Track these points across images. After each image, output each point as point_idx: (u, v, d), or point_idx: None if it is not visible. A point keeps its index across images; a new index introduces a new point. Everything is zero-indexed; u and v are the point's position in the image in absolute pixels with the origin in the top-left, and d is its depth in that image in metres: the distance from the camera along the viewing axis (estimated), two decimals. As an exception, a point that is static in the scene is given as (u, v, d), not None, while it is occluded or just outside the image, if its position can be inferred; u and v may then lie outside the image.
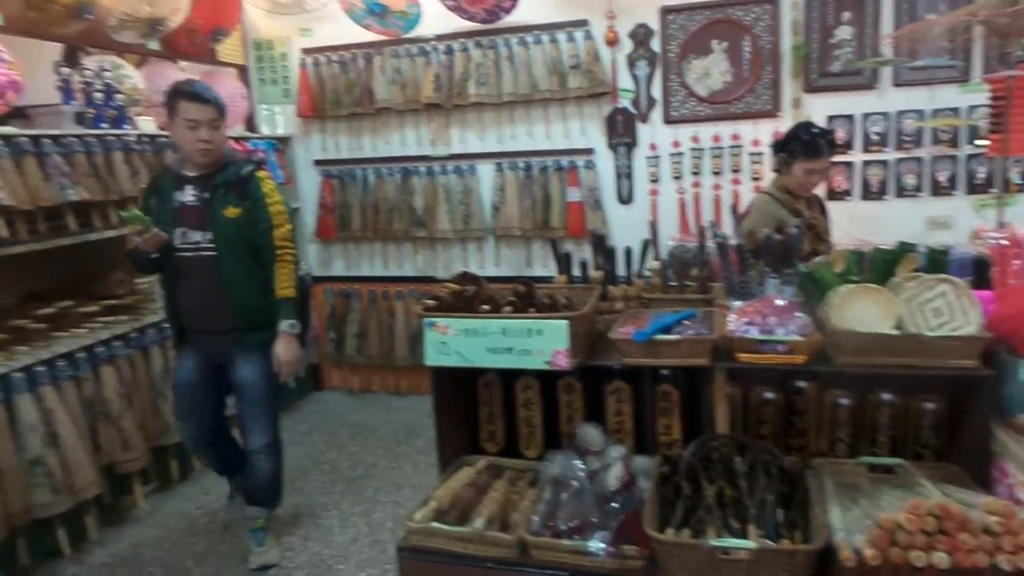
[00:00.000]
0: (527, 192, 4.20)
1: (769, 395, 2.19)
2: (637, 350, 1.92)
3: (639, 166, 4.10)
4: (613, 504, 1.92)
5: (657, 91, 3.99)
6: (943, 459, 2.03)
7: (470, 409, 2.41)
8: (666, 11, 3.89)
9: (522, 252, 4.35)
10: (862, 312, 1.88)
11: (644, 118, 4.04)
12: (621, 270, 2.53)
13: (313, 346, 4.72)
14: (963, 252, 2.24)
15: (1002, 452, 1.77)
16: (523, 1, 3.90)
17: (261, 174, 2.65)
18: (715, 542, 1.63)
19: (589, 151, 4.12)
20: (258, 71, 4.60)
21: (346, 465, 3.73)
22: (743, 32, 3.81)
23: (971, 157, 3.65)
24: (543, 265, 4.30)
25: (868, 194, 3.82)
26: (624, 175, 4.12)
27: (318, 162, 4.65)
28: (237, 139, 4.12)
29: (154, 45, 3.66)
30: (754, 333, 1.86)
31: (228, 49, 4.34)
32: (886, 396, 2.11)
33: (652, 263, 2.51)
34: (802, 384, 2.17)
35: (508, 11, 3.93)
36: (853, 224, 3.50)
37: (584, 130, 4.14)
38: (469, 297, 2.09)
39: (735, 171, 3.94)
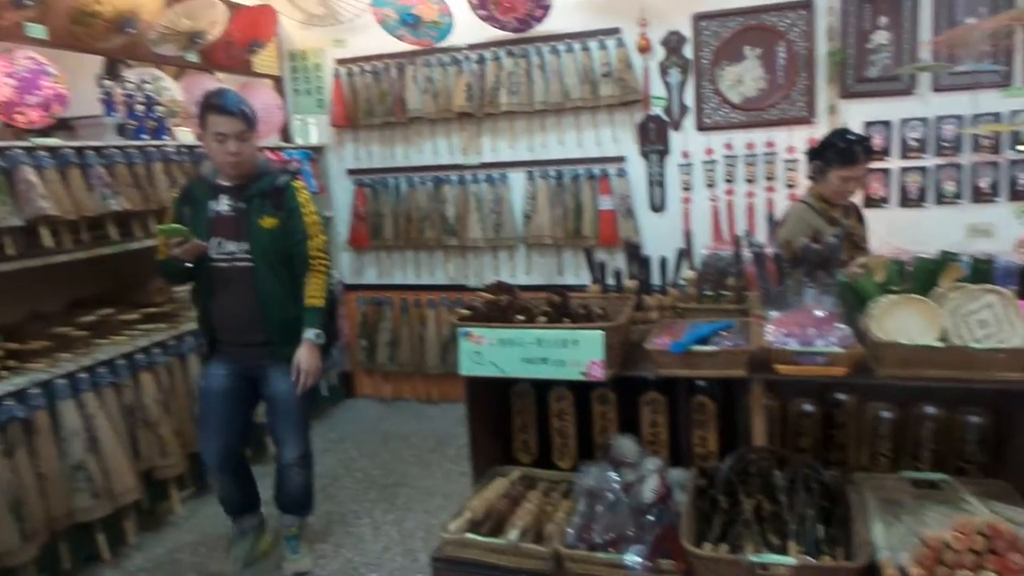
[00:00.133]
0: (558, 200, 4.20)
1: (807, 407, 2.15)
2: (673, 361, 1.90)
3: (671, 174, 4.07)
4: (649, 517, 1.90)
5: (690, 98, 3.97)
6: (989, 475, 1.98)
7: (503, 419, 2.41)
8: (699, 18, 3.86)
9: (553, 260, 4.34)
10: (905, 323, 1.84)
11: (676, 125, 4.01)
12: (655, 279, 2.50)
13: (345, 354, 4.75)
14: (1007, 261, 2.18)
15: (1052, 468, 1.72)
16: (555, 10, 3.90)
17: (297, 184, 2.65)
18: (754, 558, 1.60)
19: (621, 159, 4.10)
20: (292, 82, 4.67)
21: (378, 473, 3.75)
22: (777, 38, 3.77)
23: (1013, 163, 3.57)
24: (574, 274, 4.29)
25: (906, 201, 3.75)
26: (656, 183, 4.10)
27: (351, 171, 4.69)
28: (272, 149, 4.19)
29: (192, 57, 3.73)
30: (793, 344, 1.83)
31: (264, 60, 4.41)
32: (929, 409, 2.06)
33: (687, 272, 2.49)
34: (841, 396, 2.13)
35: (540, 20, 3.94)
36: (891, 232, 3.44)
37: (616, 138, 4.12)
38: (503, 307, 2.09)
39: (769, 178, 3.89)
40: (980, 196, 3.62)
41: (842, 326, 1.88)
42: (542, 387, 2.33)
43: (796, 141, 3.80)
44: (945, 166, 3.66)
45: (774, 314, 2.01)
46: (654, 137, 4.05)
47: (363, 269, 4.82)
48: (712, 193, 3.99)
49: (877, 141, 3.68)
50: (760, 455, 1.91)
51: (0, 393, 2.57)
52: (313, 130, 4.74)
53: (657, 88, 4.01)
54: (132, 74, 3.40)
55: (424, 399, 4.76)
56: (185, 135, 3.57)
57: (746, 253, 2.29)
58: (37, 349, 2.85)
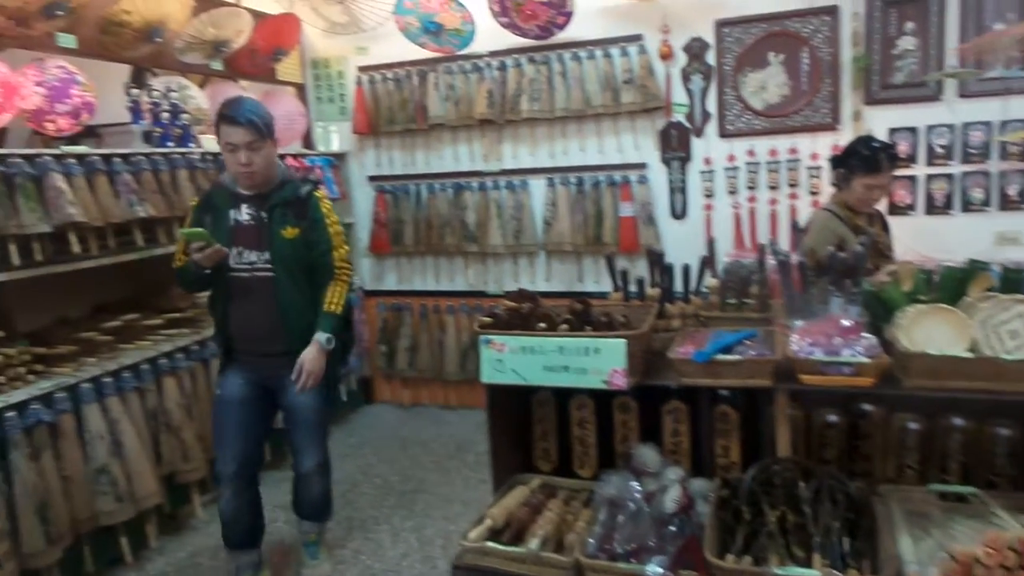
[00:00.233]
0: (579, 207, 4.19)
1: (832, 418, 2.13)
2: (696, 370, 1.89)
3: (693, 181, 4.05)
4: (671, 527, 1.88)
5: (712, 105, 3.95)
6: (1019, 488, 1.94)
7: (524, 427, 2.40)
8: (721, 24, 3.84)
9: (573, 267, 4.33)
10: (933, 333, 1.81)
11: (699, 132, 3.99)
12: (678, 287, 2.49)
13: (364, 359, 4.77)
14: (1038, 270, 2.14)
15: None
16: (576, 17, 3.91)
17: (319, 194, 2.62)
18: (779, 570, 1.58)
19: (642, 166, 4.09)
20: (315, 89, 4.71)
21: (396, 479, 3.75)
22: (801, 44, 3.74)
23: (1043, 170, 3.51)
24: (594, 280, 4.28)
25: (932, 208, 3.70)
26: (678, 190, 4.08)
27: (372, 178, 4.72)
28: (294, 156, 4.22)
29: (217, 65, 3.78)
30: (819, 354, 1.81)
31: (287, 68, 4.45)
32: (957, 421, 2.03)
33: (709, 280, 2.47)
34: (867, 407, 2.10)
35: (562, 27, 3.94)
36: (916, 239, 3.39)
37: (637, 145, 4.11)
38: (525, 314, 2.09)
39: (792, 185, 3.86)
40: (1008, 204, 3.56)
41: (868, 336, 1.86)
42: (563, 395, 2.32)
43: (820, 148, 3.77)
44: (972, 173, 3.60)
45: (799, 323, 1.99)
46: (676, 144, 4.03)
47: (383, 275, 4.84)
48: (734, 200, 3.97)
49: (903, 148, 3.63)
50: (784, 466, 1.88)
51: (27, 397, 2.61)
52: (335, 137, 4.77)
53: (679, 95, 3.99)
54: (158, 82, 3.45)
55: (443, 405, 4.77)
56: (210, 142, 3.60)
57: (770, 261, 2.27)
58: (63, 353, 2.89)
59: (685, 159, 4.04)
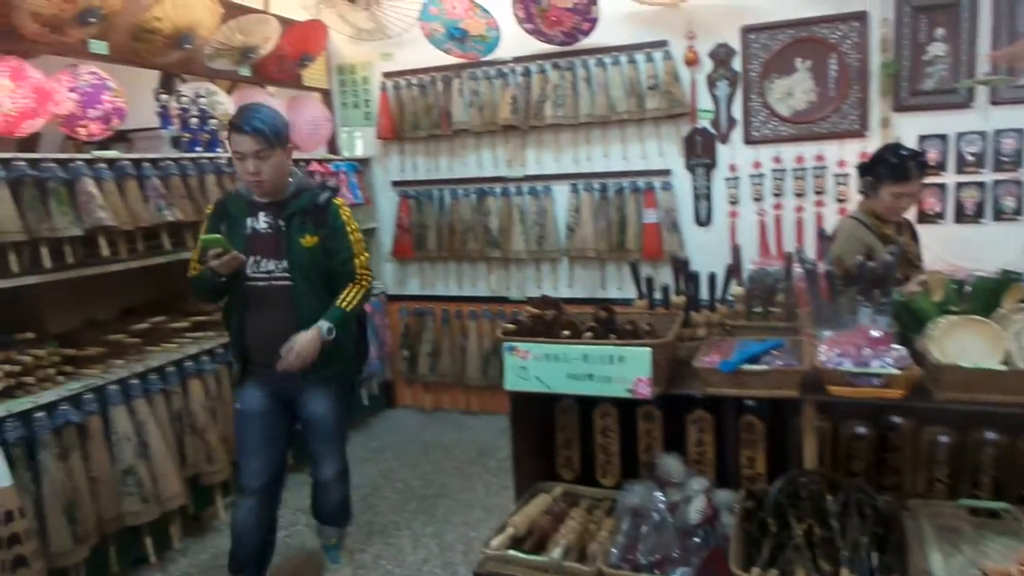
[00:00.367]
0: (602, 213, 4.17)
1: (861, 430, 2.10)
2: (722, 380, 1.87)
3: (718, 187, 4.02)
4: (695, 539, 1.87)
5: (738, 111, 3.92)
6: (1054, 504, 1.89)
7: (546, 434, 2.39)
8: (748, 30, 3.82)
9: (596, 274, 4.32)
10: (965, 345, 1.78)
11: (724, 138, 3.97)
12: (703, 294, 2.47)
13: (386, 363, 4.79)
14: (1072, 281, 2.10)
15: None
16: (602, 23, 3.90)
17: (338, 201, 2.56)
18: (806, 585, 1.56)
19: (666, 172, 4.07)
20: (341, 95, 4.75)
21: (417, 484, 3.75)
22: (829, 50, 3.70)
23: (1078, 179, 3.44)
24: (617, 287, 4.26)
25: (962, 217, 3.64)
26: (703, 196, 4.05)
27: (396, 183, 4.74)
28: (319, 161, 4.25)
29: (245, 71, 3.82)
30: (848, 365, 1.78)
31: (313, 74, 4.49)
32: (990, 435, 1.99)
33: (735, 288, 2.45)
34: (896, 419, 2.07)
35: (587, 33, 3.94)
36: (945, 248, 3.34)
37: (662, 151, 4.09)
38: (549, 321, 2.08)
39: (819, 193, 3.82)
40: (1042, 213, 3.50)
41: (898, 347, 1.83)
42: (586, 403, 2.31)
43: (847, 155, 3.72)
44: (1004, 181, 3.54)
45: (826, 333, 1.96)
46: (701, 150, 4.01)
47: (406, 280, 4.86)
48: (759, 207, 3.93)
49: (932, 155, 3.58)
50: (811, 478, 1.86)
51: (56, 398, 2.64)
52: (359, 142, 4.81)
53: (704, 101, 3.97)
54: (187, 88, 3.50)
55: (464, 410, 4.77)
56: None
57: (796, 269, 2.25)
58: (92, 355, 2.93)
59: (710, 165, 4.01)
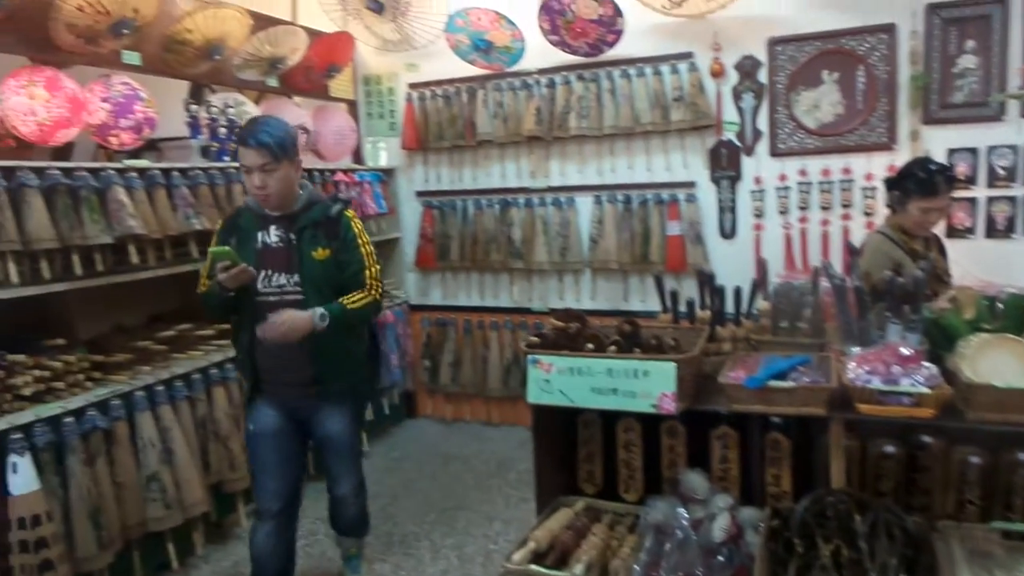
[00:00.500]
0: (626, 225, 4.16)
1: (889, 449, 2.06)
2: (748, 396, 1.85)
3: (743, 200, 3.99)
4: (719, 557, 1.84)
5: (763, 123, 3.89)
6: (1090, 529, 1.85)
7: (568, 448, 2.38)
8: (774, 42, 3.79)
9: (619, 286, 4.30)
10: (998, 364, 1.75)
11: (749, 151, 3.94)
12: (728, 308, 2.44)
13: (408, 373, 4.80)
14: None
15: None
16: (627, 34, 3.90)
17: (350, 213, 2.51)
18: (834, 607, 1.53)
19: (691, 184, 4.05)
20: (366, 105, 4.79)
21: (437, 495, 3.75)
22: (857, 62, 3.66)
23: (1113, 194, 3.37)
24: (640, 299, 4.23)
25: (993, 232, 3.57)
26: (727, 209, 4.02)
27: (420, 193, 4.76)
28: (345, 171, 4.29)
29: (273, 82, 3.87)
30: (877, 383, 1.76)
31: (340, 85, 4.53)
32: (1023, 456, 1.94)
33: (761, 303, 2.42)
34: (926, 439, 2.03)
35: (611, 45, 3.94)
36: (975, 263, 3.28)
37: (686, 163, 4.07)
38: (573, 335, 2.08)
39: (845, 206, 3.77)
40: (1075, 228, 3.43)
41: (929, 365, 1.80)
42: (609, 417, 2.29)
43: (875, 168, 3.68)
44: (1037, 196, 3.48)
45: (855, 350, 1.94)
46: (726, 163, 3.99)
47: (428, 290, 4.87)
48: (785, 220, 3.90)
49: (962, 169, 3.53)
50: (838, 498, 1.83)
51: (84, 403, 2.68)
52: (384, 153, 4.84)
53: (730, 113, 3.94)
54: (216, 98, 3.55)
55: (485, 421, 4.76)
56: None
57: (824, 284, 2.22)
58: (120, 361, 2.96)
59: (735, 178, 3.98)
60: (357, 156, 4.72)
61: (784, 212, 3.90)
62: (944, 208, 2.84)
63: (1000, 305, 2.04)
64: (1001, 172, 3.52)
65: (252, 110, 3.64)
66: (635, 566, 1.86)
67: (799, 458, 2.09)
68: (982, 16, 3.44)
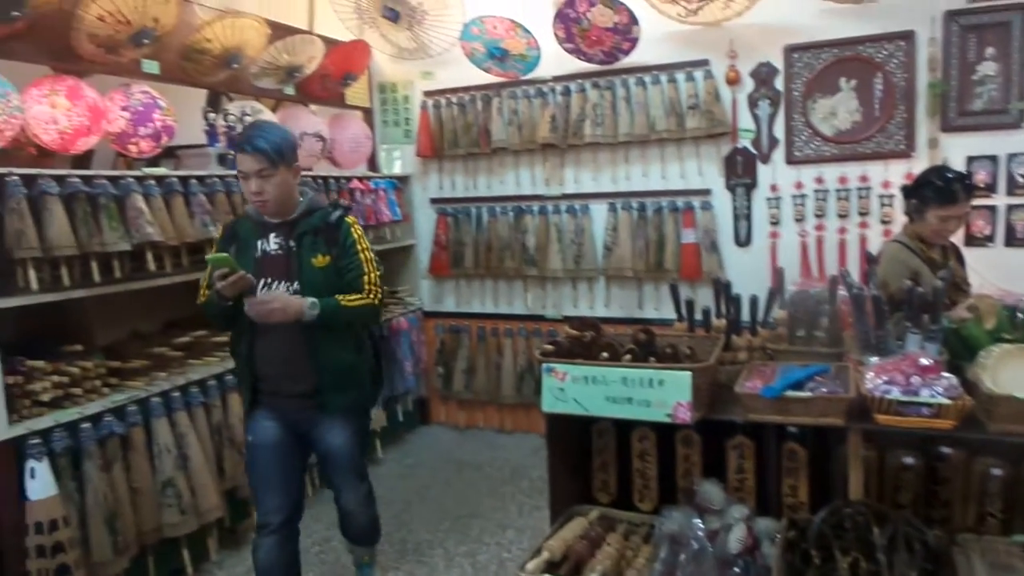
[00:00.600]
0: (640, 233, 4.15)
1: (908, 460, 2.04)
2: (764, 406, 1.83)
3: (758, 207, 3.97)
4: (735, 569, 1.83)
5: (779, 131, 3.87)
6: (1115, 543, 1.82)
7: (583, 456, 2.37)
8: (791, 50, 3.78)
9: (633, 293, 4.29)
10: (1020, 375, 1.72)
11: (765, 158, 3.92)
12: (744, 316, 2.42)
13: (422, 380, 4.80)
14: None
15: None
16: (642, 42, 3.89)
17: (350, 219, 2.44)
18: (852, 621, 1.51)
19: (706, 192, 4.03)
20: (381, 113, 4.81)
21: (451, 503, 3.74)
22: (874, 70, 3.64)
23: None
24: (655, 307, 4.22)
25: (1013, 240, 3.53)
26: (743, 217, 4.00)
27: (434, 200, 4.78)
28: (360, 178, 4.30)
29: (290, 90, 3.89)
30: (896, 393, 1.74)
31: (355, 92, 4.56)
32: (1046, 468, 1.92)
33: (777, 312, 2.40)
34: (946, 450, 2.01)
35: (627, 53, 3.94)
36: (994, 272, 3.23)
37: (701, 171, 4.06)
38: (588, 343, 2.07)
39: (863, 214, 3.74)
40: (1097, 237, 3.39)
41: (949, 375, 1.78)
42: (624, 426, 2.28)
43: (892, 176, 3.65)
44: (1058, 204, 3.44)
45: (873, 360, 1.92)
46: (741, 170, 3.97)
47: (442, 297, 4.88)
48: (801, 228, 3.87)
49: (981, 177, 3.49)
50: (856, 509, 1.81)
51: (101, 409, 2.70)
52: (398, 160, 4.86)
53: (745, 120, 3.93)
54: (234, 106, 3.58)
55: (498, 428, 4.75)
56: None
57: (841, 292, 2.20)
58: (136, 367, 2.98)
59: (751, 186, 3.96)
60: (372, 163, 4.74)
61: (800, 220, 3.87)
62: (962, 216, 2.81)
63: (1021, 315, 2.01)
64: (1021, 180, 3.48)
65: (269, 118, 3.66)
66: (650, 577, 1.85)
67: (816, 468, 2.07)
68: (1001, 23, 3.42)
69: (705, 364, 1.90)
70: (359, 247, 2.40)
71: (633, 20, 3.81)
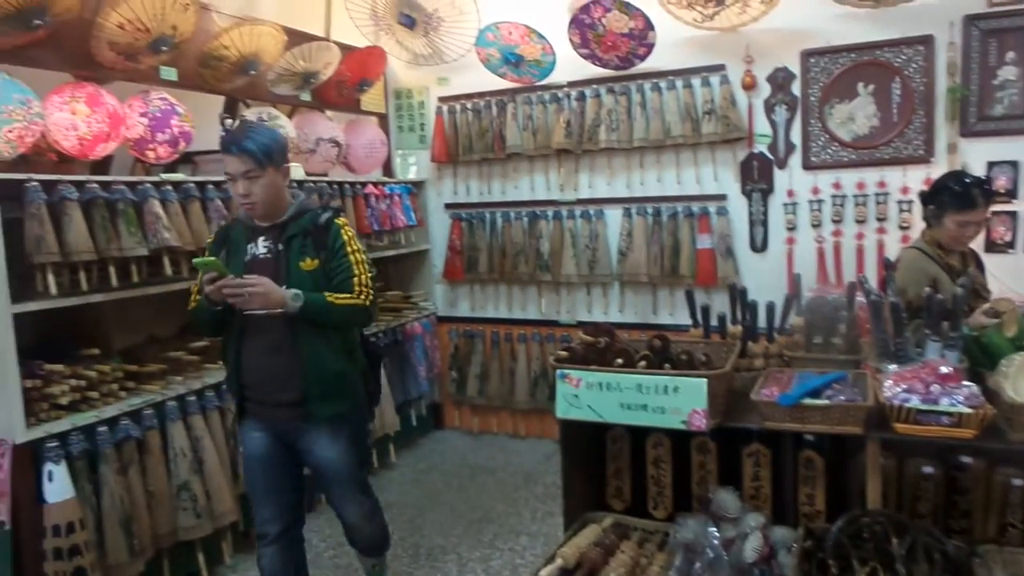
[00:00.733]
0: (655, 238, 4.13)
1: (927, 469, 2.01)
2: (781, 414, 1.81)
3: (775, 213, 3.94)
4: (751, 578, 1.80)
5: (796, 136, 3.84)
6: None
7: (597, 463, 2.36)
8: (808, 54, 3.75)
9: (648, 299, 4.27)
10: (1042, 384, 1.69)
11: (782, 164, 3.89)
12: (760, 323, 2.40)
13: (435, 384, 4.80)
14: None
15: None
16: (658, 47, 3.89)
17: (340, 221, 2.37)
18: (870, 633, 1.49)
19: (722, 197, 4.01)
20: (397, 119, 4.84)
21: (464, 507, 3.73)
22: (893, 74, 3.61)
23: None
24: (669, 313, 4.20)
25: (1034, 247, 3.49)
26: (759, 222, 3.98)
27: (449, 205, 4.79)
28: (375, 183, 4.32)
29: (306, 96, 3.92)
30: (915, 402, 1.72)
31: (371, 98, 4.58)
32: (1069, 479, 1.88)
33: (794, 318, 2.38)
34: (966, 459, 1.98)
35: (642, 58, 3.93)
36: (1015, 279, 3.20)
37: (717, 176, 4.04)
38: (602, 349, 2.06)
39: (880, 219, 3.71)
40: (1121, 243, 3.33)
41: (969, 384, 1.75)
42: (638, 432, 2.27)
43: (911, 181, 3.61)
44: (1080, 210, 3.39)
45: (891, 367, 1.89)
46: (757, 176, 3.94)
47: (457, 301, 4.88)
48: (818, 234, 3.84)
49: (1001, 182, 3.45)
50: (875, 519, 1.78)
51: (118, 412, 2.72)
52: (414, 166, 4.88)
53: (762, 125, 3.91)
54: (250, 112, 3.60)
55: (512, 434, 4.74)
56: (297, 170, 3.73)
57: (859, 299, 2.18)
58: (153, 371, 3.01)
59: (767, 191, 3.94)
60: (388, 169, 4.76)
61: (817, 225, 3.84)
62: (981, 222, 2.77)
63: (1043, 323, 1.99)
64: (1043, 185, 3.44)
65: (286, 124, 3.69)
66: (665, 585, 1.84)
67: (833, 476, 2.05)
68: (1022, 28, 3.38)
69: (721, 371, 1.88)
70: (349, 248, 2.33)
71: (649, 26, 3.80)
